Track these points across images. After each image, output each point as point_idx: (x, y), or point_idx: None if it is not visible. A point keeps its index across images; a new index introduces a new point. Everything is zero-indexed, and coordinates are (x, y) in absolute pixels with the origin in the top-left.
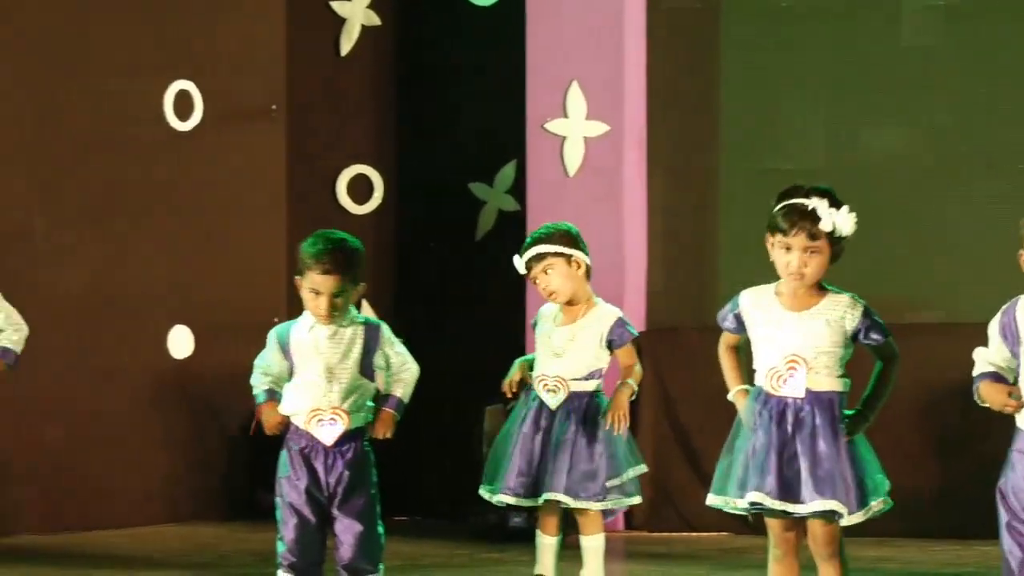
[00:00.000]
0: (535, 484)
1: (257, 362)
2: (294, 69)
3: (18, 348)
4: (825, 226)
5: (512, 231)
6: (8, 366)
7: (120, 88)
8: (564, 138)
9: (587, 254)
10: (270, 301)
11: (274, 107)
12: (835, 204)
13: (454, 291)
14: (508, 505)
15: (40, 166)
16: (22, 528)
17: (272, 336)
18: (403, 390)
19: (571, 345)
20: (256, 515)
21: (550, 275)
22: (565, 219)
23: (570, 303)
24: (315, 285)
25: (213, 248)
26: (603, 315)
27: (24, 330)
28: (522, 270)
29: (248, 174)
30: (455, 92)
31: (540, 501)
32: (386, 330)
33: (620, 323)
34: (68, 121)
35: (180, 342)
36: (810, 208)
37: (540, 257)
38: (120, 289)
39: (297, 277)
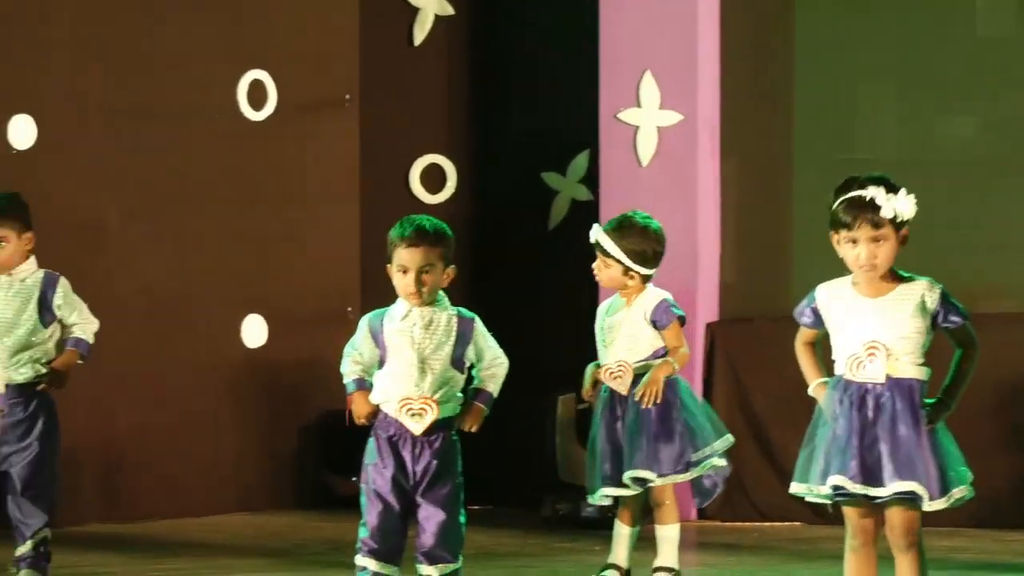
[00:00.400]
0: (623, 469)
1: (347, 349)
2: (367, 59)
3: (91, 340)
4: (886, 213)
5: (585, 220)
6: (82, 356)
7: (194, 78)
8: (637, 127)
9: (656, 262)
10: (343, 290)
11: (348, 97)
12: (892, 190)
13: (527, 280)
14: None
15: (114, 156)
16: (94, 517)
17: (364, 323)
18: (494, 385)
19: (621, 329)
20: (329, 503)
21: (603, 268)
22: (638, 208)
23: (621, 290)
24: (402, 261)
25: (287, 238)
26: (649, 298)
27: (95, 324)
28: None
29: (322, 164)
30: (528, 82)
31: (626, 480)
32: (479, 323)
33: (664, 304)
34: (142, 111)
35: (254, 331)
36: (868, 198)
37: (603, 251)
38: (194, 279)
39: (388, 266)
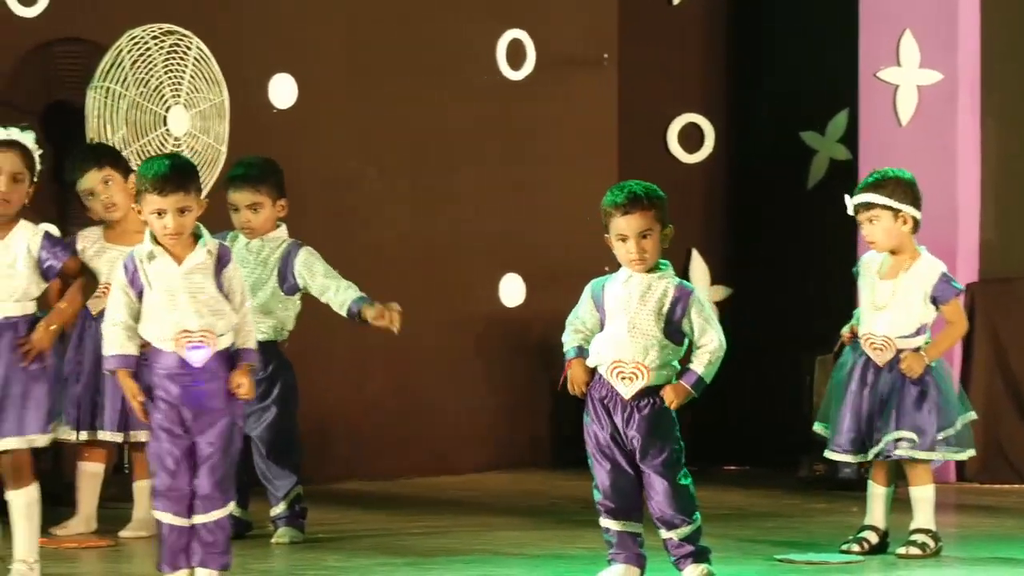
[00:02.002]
0: (864, 440)
1: (570, 318)
2: (626, 18)
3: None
4: None
5: (843, 180)
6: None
7: (454, 36)
8: (897, 87)
9: (919, 207)
10: (600, 250)
11: (606, 56)
12: None
13: (784, 240)
14: None
15: (372, 112)
16: (353, 475)
17: (588, 290)
18: (705, 368)
19: (893, 300)
20: (582, 462)
21: (874, 225)
22: (897, 168)
23: (892, 253)
24: (620, 230)
25: (544, 197)
26: (927, 270)
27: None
28: (851, 211)
29: (579, 123)
30: (787, 40)
31: (869, 457)
32: (698, 297)
33: (944, 279)
34: (400, 68)
35: (512, 290)
36: None
37: (867, 206)
38: (451, 238)
39: (606, 236)
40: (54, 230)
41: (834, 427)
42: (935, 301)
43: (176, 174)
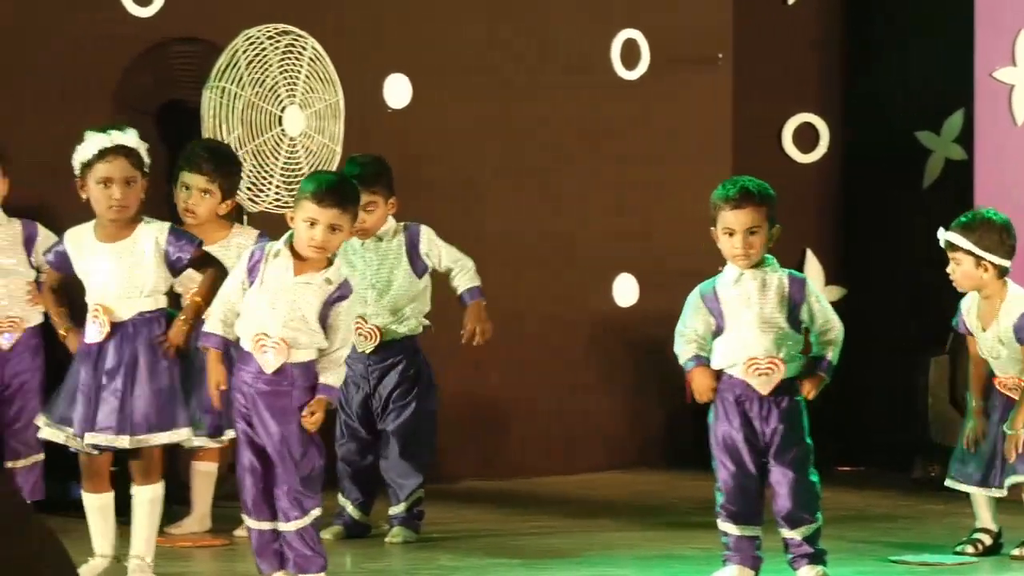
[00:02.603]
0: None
1: (679, 329)
2: (740, 17)
3: (478, 281)
4: None
5: (959, 180)
6: (483, 297)
7: (568, 37)
8: (1012, 86)
9: (1008, 253)
10: (713, 250)
11: (720, 55)
12: None
13: (899, 240)
14: None
15: (486, 112)
16: (469, 474)
17: (694, 298)
18: (833, 352)
19: (1000, 349)
20: (698, 463)
21: (956, 266)
22: (1012, 168)
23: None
24: (728, 224)
25: (659, 197)
26: (1012, 308)
27: (471, 261)
28: (941, 244)
29: (693, 123)
30: (902, 40)
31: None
32: (811, 284)
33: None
34: (515, 68)
35: (625, 290)
36: None
37: (952, 247)
38: (564, 237)
39: (712, 228)
40: None
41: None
42: (1020, 341)
43: (340, 191)
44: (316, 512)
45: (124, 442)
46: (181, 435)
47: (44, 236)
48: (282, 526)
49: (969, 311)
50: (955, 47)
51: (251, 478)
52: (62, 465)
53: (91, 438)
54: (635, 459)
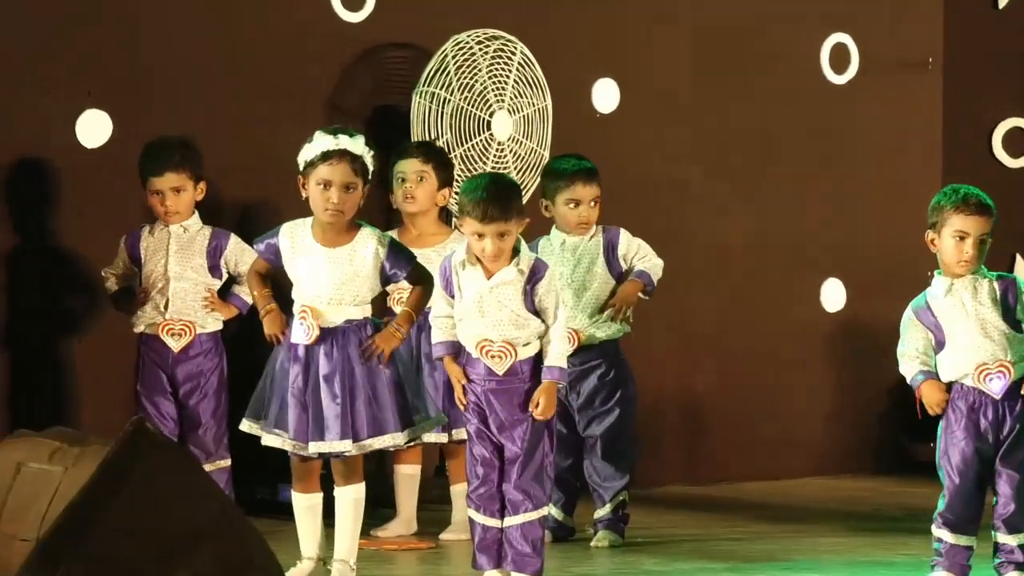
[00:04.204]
0: None
1: (900, 351)
2: (950, 22)
3: (655, 274)
4: None
5: None
6: (646, 289)
7: (779, 40)
8: None
9: None
10: (923, 256)
11: (930, 60)
12: None
13: None
14: None
15: (693, 116)
16: (676, 479)
17: (909, 315)
18: None
19: None
20: (905, 469)
21: None
22: None
23: None
24: (960, 228)
25: (867, 202)
26: None
27: (660, 261)
28: None
29: (903, 127)
30: None
31: None
32: (1021, 281)
33: None
34: (723, 72)
35: (833, 295)
36: None
37: None
38: (775, 240)
39: (929, 233)
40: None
41: None
42: None
43: (497, 201)
44: (545, 510)
45: (349, 447)
46: (398, 439)
47: (235, 246)
48: (510, 520)
49: None
50: None
51: (483, 476)
52: (272, 467)
53: (316, 447)
54: (839, 466)
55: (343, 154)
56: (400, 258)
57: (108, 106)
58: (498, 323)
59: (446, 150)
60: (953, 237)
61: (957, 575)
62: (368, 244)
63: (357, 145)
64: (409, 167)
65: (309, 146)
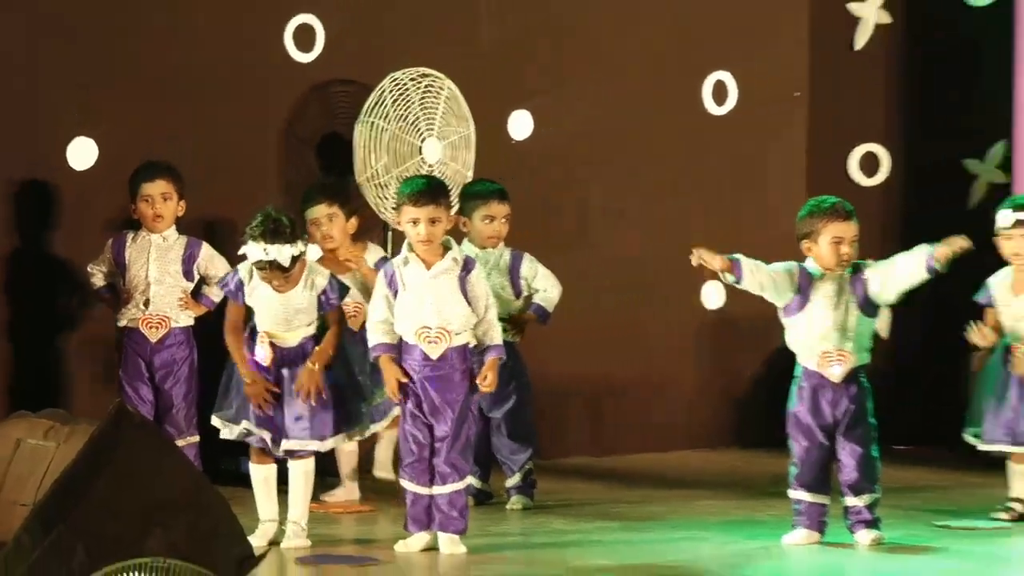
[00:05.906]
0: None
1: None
2: (815, 61)
3: (549, 306)
4: None
5: (1000, 202)
6: (540, 319)
7: (658, 80)
8: None
9: None
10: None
11: (797, 94)
12: None
13: None
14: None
15: (602, 146)
16: (577, 451)
17: (791, 267)
18: None
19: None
20: (771, 443)
21: (1015, 241)
22: None
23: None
24: (838, 233)
25: (742, 214)
26: None
27: (557, 290)
28: (1007, 224)
29: (773, 153)
30: (954, 81)
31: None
32: (865, 267)
33: None
34: (628, 106)
35: (712, 296)
36: None
37: (1020, 223)
38: (663, 249)
39: (803, 242)
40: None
41: (984, 421)
42: None
43: (430, 190)
44: (468, 480)
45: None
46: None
47: (206, 252)
48: (438, 489)
49: (1002, 282)
50: (999, 87)
51: (416, 453)
52: (235, 443)
53: (287, 444)
54: (716, 440)
55: (272, 263)
56: (333, 294)
57: (95, 134)
58: (437, 311)
59: (383, 172)
60: (831, 244)
61: (816, 530)
62: (318, 275)
63: (283, 254)
64: (319, 212)
65: (246, 248)
